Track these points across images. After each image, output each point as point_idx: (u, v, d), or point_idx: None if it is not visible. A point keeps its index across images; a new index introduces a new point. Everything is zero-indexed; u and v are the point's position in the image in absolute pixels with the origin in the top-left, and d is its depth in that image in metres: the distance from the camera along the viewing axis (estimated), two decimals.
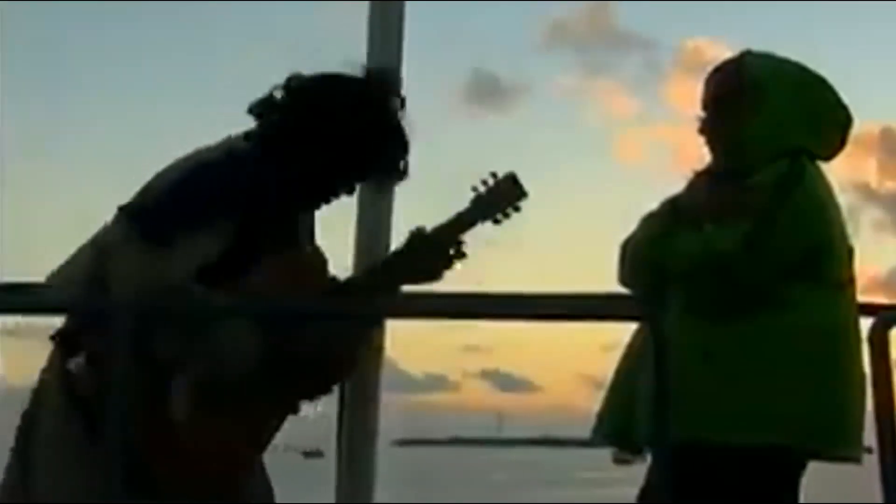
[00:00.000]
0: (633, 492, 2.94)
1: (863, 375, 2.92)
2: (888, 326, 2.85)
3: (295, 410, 2.78)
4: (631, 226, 3.04)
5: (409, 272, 2.88)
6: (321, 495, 2.92)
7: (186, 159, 2.72)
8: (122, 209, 2.67)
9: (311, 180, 2.80)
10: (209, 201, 2.64)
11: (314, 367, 2.73)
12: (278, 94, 2.82)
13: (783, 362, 2.81)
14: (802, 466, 2.90)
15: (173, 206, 2.63)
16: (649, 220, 3.02)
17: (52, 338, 2.71)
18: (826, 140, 3.02)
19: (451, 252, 2.88)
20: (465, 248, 2.89)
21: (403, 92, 2.91)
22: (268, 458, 2.85)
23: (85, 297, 2.61)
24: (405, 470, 37.79)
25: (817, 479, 3.26)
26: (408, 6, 3.18)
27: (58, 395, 2.66)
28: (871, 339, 3.17)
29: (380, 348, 3.09)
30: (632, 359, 2.95)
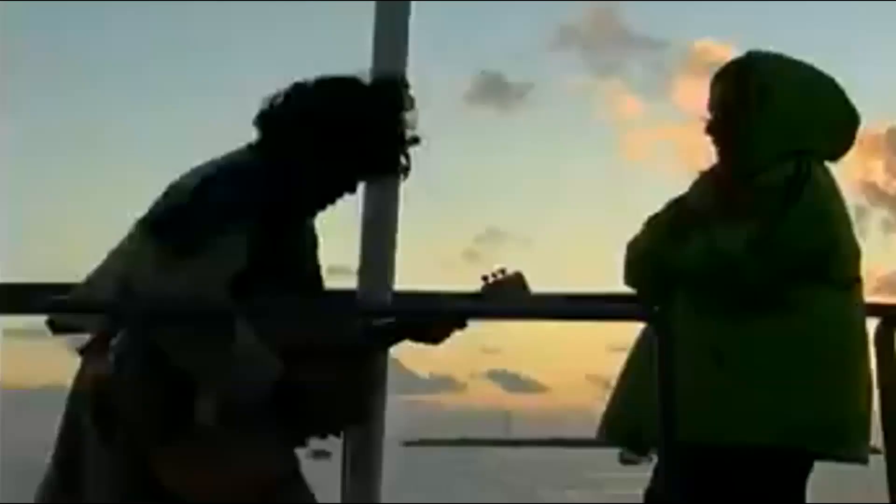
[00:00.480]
0: (640, 492, 2.95)
1: (870, 376, 2.92)
2: (895, 327, 2.86)
3: (303, 444, 2.79)
4: (638, 225, 3.05)
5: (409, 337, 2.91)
6: (327, 496, 2.91)
7: (200, 169, 2.72)
8: (143, 221, 2.66)
9: (320, 186, 2.80)
10: (229, 210, 2.64)
11: (323, 410, 2.74)
12: (284, 101, 2.81)
13: (790, 363, 2.81)
14: (809, 466, 2.89)
15: (197, 215, 2.62)
16: (655, 221, 3.02)
17: (81, 352, 2.70)
18: (833, 140, 3.02)
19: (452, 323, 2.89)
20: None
21: (411, 93, 2.90)
22: None
23: (104, 301, 2.61)
24: (412, 471, 37.81)
25: (824, 479, 3.25)
26: (414, 7, 3.18)
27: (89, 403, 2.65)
28: (877, 340, 3.17)
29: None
30: (638, 359, 2.95)
